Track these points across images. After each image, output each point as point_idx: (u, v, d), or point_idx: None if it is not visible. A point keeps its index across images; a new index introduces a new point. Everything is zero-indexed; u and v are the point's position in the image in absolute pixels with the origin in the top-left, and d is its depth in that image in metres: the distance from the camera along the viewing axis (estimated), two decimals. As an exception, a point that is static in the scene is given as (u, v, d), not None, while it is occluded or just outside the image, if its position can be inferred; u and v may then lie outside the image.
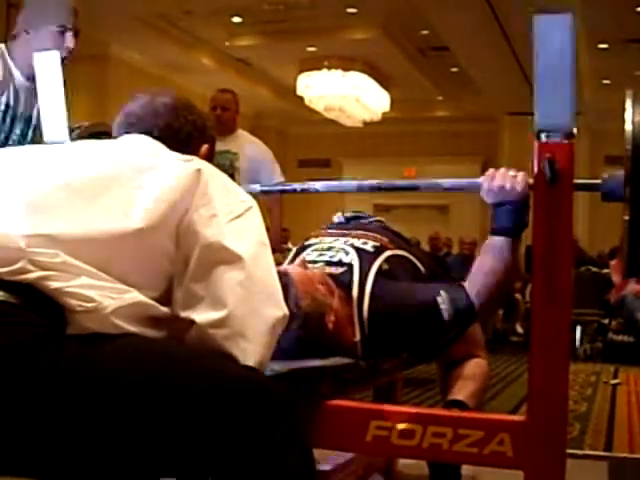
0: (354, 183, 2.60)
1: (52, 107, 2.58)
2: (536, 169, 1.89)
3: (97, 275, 1.45)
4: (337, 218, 2.86)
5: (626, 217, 1.89)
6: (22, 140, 3.24)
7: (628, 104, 1.90)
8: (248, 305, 1.55)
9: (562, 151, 1.85)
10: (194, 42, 13.30)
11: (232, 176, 5.03)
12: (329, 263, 2.39)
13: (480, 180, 2.27)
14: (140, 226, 1.51)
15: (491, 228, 2.31)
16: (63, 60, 3.11)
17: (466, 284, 2.32)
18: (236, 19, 12.45)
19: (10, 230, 1.43)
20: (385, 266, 2.38)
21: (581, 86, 13.56)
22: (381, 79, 14.72)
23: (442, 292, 2.28)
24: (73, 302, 1.40)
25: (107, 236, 1.49)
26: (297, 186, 2.62)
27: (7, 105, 3.20)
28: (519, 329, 11.04)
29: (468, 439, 1.89)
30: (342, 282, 2.31)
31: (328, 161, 18.76)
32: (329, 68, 13.96)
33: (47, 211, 1.50)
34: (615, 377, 7.47)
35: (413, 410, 2.03)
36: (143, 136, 1.83)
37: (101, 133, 2.94)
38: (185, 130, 1.91)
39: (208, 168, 1.67)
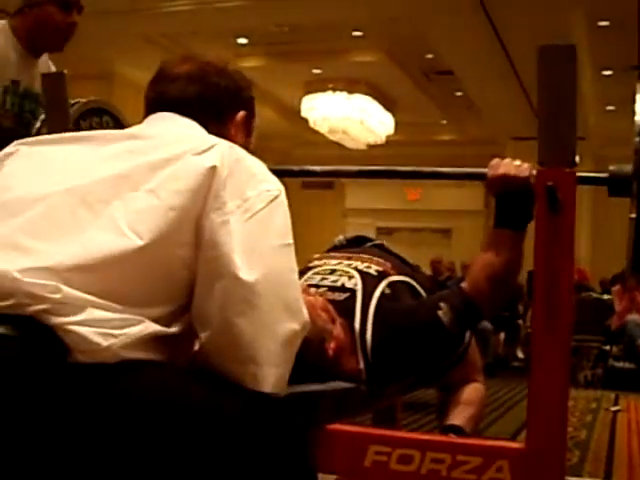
0: (355, 168, 2.54)
1: (58, 126, 2.59)
2: (538, 197, 1.89)
3: (101, 305, 1.37)
4: (339, 241, 2.86)
5: (632, 215, 1.88)
6: (32, 119, 3.21)
7: (638, 97, 1.90)
8: (257, 325, 1.45)
9: (564, 179, 1.86)
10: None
11: None
12: (332, 288, 2.38)
13: (485, 170, 2.24)
14: (146, 242, 1.43)
15: (494, 221, 2.27)
16: (65, 38, 3.10)
17: (465, 282, 2.31)
18: (241, 40, 12.50)
19: (5, 264, 1.36)
20: (387, 291, 2.37)
21: (585, 111, 13.59)
22: (385, 102, 14.76)
23: (442, 304, 2.27)
24: (72, 341, 1.33)
25: (110, 259, 1.41)
26: (296, 168, 2.57)
27: (13, 81, 3.19)
28: (520, 354, 11.03)
29: (467, 465, 1.89)
30: (344, 310, 2.29)
31: (331, 183, 18.78)
32: (334, 90, 14.00)
33: (46, 235, 1.43)
34: (616, 404, 7.46)
35: (412, 435, 2.03)
36: (169, 115, 1.73)
37: (100, 110, 2.94)
38: (217, 99, 1.78)
39: (229, 157, 1.54)
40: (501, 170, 2.18)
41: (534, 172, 2.06)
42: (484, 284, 2.28)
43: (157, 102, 1.77)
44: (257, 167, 1.60)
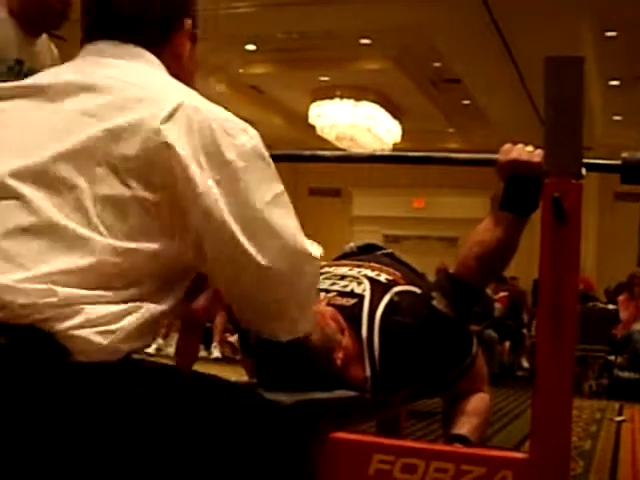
0: (366, 153, 2.55)
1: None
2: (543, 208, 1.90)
3: (96, 298, 1.34)
4: (349, 248, 2.87)
5: None
6: None
7: None
8: (282, 296, 1.55)
9: (571, 191, 1.86)
10: (208, 68, 13.38)
11: None
12: (341, 293, 2.38)
13: (496, 156, 2.21)
14: (123, 242, 1.37)
15: (499, 203, 2.25)
16: (62, 16, 3.04)
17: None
18: (250, 47, 12.53)
19: None
20: (396, 298, 2.38)
21: (592, 121, 13.60)
22: (393, 110, 14.78)
23: (433, 294, 2.29)
24: (75, 345, 1.31)
25: (89, 265, 1.35)
26: (307, 152, 2.55)
27: (17, 60, 3.14)
28: (525, 363, 11.02)
29: (470, 475, 1.88)
30: (352, 316, 2.29)
31: (339, 190, 18.80)
32: (341, 98, 14.03)
33: (20, 254, 1.34)
34: (620, 414, 7.44)
35: (416, 445, 2.04)
36: (118, 49, 1.57)
37: None
38: (164, 10, 1.62)
39: (197, 121, 1.44)
40: (513, 155, 2.16)
41: None
42: (472, 262, 2.27)
43: (99, 18, 1.61)
44: (226, 120, 1.49)
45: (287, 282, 1.51)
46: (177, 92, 1.51)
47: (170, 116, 1.42)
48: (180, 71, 1.64)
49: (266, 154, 1.51)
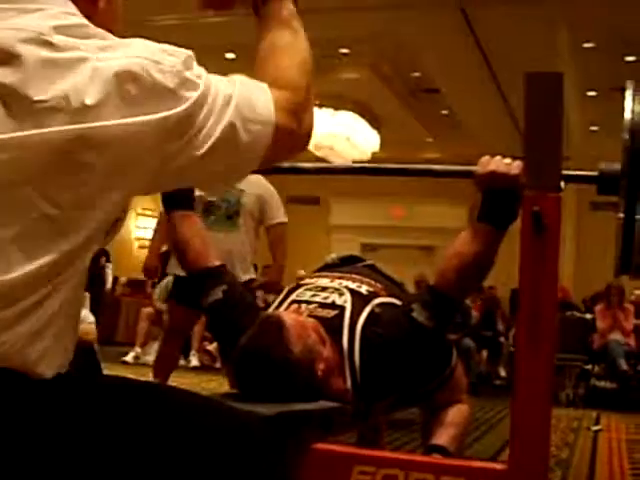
0: (344, 164, 2.53)
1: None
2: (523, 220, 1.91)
3: None
4: (331, 259, 2.88)
5: (620, 215, 1.86)
6: None
7: (628, 93, 1.88)
8: None
9: (549, 204, 1.88)
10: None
11: (237, 212, 5.06)
12: (322, 305, 2.39)
13: (474, 168, 2.21)
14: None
15: (477, 214, 2.25)
16: None
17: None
18: (230, 55, 12.53)
19: None
20: (377, 310, 2.39)
21: (570, 132, 13.68)
22: (371, 119, 14.82)
23: (413, 305, 2.29)
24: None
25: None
26: (286, 164, 2.51)
27: None
28: (502, 372, 11.04)
29: (450, 486, 1.90)
30: (333, 328, 2.30)
31: (317, 199, 18.82)
32: (320, 106, 14.02)
33: None
34: (597, 423, 7.47)
35: (396, 455, 2.05)
36: None
37: None
38: None
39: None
40: (491, 167, 2.16)
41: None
42: (451, 275, 2.28)
43: None
44: (175, 66, 1.28)
45: None
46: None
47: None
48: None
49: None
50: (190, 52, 1.33)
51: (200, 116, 1.27)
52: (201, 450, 1.36)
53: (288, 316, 2.24)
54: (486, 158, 2.20)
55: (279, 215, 5.29)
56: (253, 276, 5.47)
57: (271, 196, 5.25)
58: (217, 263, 2.54)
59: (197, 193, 4.90)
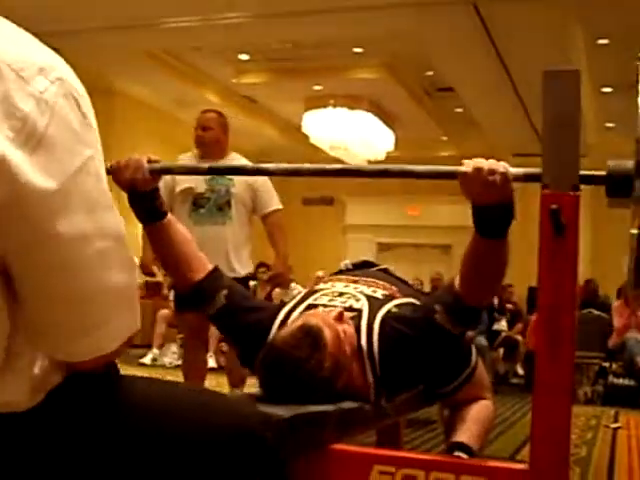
0: (314, 166, 2.28)
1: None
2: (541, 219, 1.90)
3: None
4: (345, 265, 2.88)
5: (634, 231, 1.77)
6: None
7: None
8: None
9: (568, 203, 1.86)
10: (201, 78, 13.40)
11: (228, 203, 4.97)
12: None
13: (456, 168, 2.10)
14: None
15: (475, 228, 2.17)
16: None
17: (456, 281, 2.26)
18: (243, 56, 12.55)
19: None
20: (394, 309, 2.39)
21: (585, 129, 13.63)
22: (386, 118, 14.79)
23: (437, 307, 2.26)
24: None
25: None
26: (250, 165, 2.35)
27: None
28: (520, 371, 11.01)
29: (470, 485, 1.90)
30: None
31: (332, 199, 18.80)
32: (335, 106, 14.03)
33: None
34: (615, 421, 7.44)
35: (416, 455, 2.04)
36: None
37: None
38: None
39: None
40: (474, 165, 2.04)
41: (512, 170, 2.00)
42: (471, 283, 2.22)
43: None
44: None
45: None
46: None
47: None
48: None
49: (75, 93, 1.18)
50: None
51: None
52: (199, 450, 1.35)
53: (329, 325, 2.20)
54: (467, 161, 2.08)
55: (273, 202, 5.12)
56: (251, 270, 5.39)
57: (262, 184, 5.05)
58: (209, 268, 2.46)
59: (187, 185, 4.89)
